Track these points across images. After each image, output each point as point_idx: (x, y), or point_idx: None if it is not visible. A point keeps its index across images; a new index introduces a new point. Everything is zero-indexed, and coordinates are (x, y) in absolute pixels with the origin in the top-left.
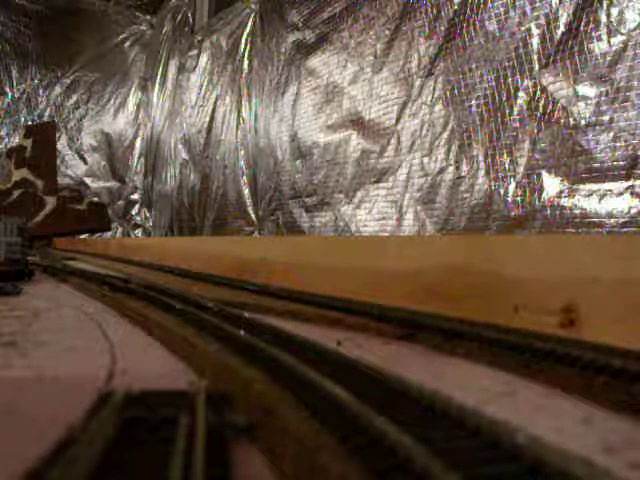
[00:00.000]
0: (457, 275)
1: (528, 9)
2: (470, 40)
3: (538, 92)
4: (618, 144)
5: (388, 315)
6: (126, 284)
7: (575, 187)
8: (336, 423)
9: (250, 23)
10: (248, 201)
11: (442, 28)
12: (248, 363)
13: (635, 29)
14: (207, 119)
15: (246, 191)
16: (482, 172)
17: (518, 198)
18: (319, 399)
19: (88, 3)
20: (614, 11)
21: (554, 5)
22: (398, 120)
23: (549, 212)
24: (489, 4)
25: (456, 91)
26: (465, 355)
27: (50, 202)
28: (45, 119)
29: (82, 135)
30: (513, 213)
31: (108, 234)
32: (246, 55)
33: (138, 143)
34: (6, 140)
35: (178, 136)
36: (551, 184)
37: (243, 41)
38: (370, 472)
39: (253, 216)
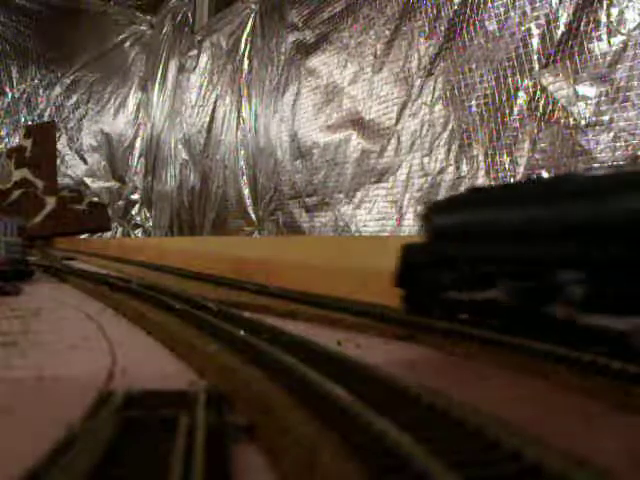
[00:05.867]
0: None
1: (528, 9)
2: (470, 40)
3: (538, 92)
4: (618, 144)
5: (388, 315)
6: (126, 284)
7: None
8: (336, 423)
9: (250, 23)
10: (248, 201)
11: (442, 28)
12: (248, 363)
13: (635, 29)
14: (207, 119)
15: (246, 191)
16: (482, 172)
17: None
18: (319, 399)
19: (88, 3)
20: (614, 11)
21: (554, 5)
22: (398, 120)
23: None
24: (489, 4)
25: (456, 91)
26: (465, 355)
27: (50, 202)
28: (45, 119)
29: (82, 135)
30: None
31: (108, 234)
32: (246, 55)
33: (138, 143)
34: (6, 140)
35: (178, 136)
36: None
37: (243, 41)
38: (370, 471)
39: (253, 216)
